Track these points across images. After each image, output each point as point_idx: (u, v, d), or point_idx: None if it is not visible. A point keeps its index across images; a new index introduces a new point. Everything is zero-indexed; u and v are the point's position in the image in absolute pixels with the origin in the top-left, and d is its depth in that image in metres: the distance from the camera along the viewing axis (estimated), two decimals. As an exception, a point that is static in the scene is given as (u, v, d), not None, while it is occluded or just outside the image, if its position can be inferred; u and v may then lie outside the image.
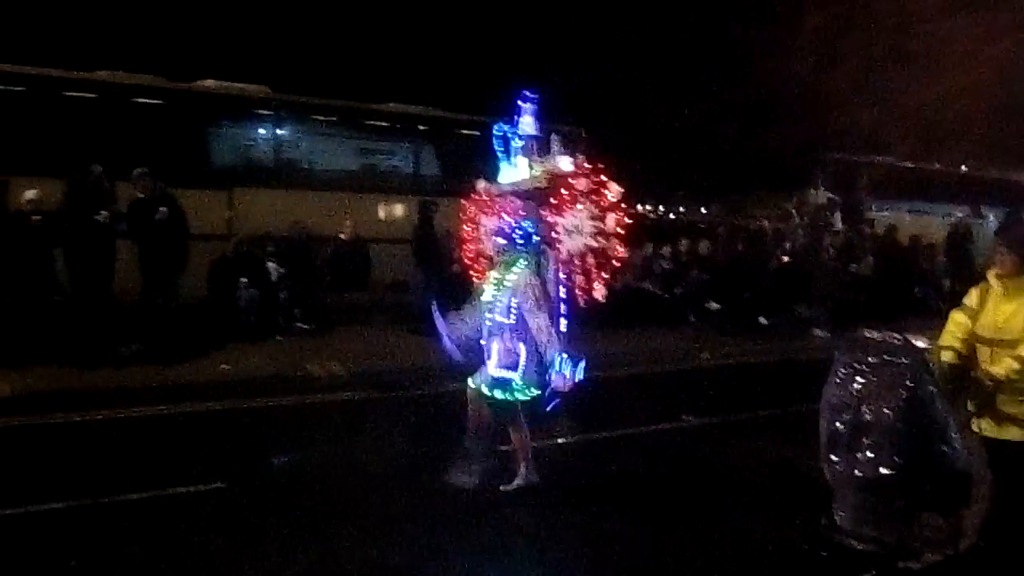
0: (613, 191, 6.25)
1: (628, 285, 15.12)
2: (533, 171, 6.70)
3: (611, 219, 6.21)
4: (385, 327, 13.07)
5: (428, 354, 11.63)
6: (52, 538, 5.73)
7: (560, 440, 8.37)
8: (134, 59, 14.26)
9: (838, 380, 5.46)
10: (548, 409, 6.43)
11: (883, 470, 5.09)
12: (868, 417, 5.19)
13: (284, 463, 7.56)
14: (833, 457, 5.36)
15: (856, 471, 5.21)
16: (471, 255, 7.40)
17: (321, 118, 14.93)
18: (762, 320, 15.01)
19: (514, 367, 6.38)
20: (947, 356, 5.48)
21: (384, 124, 15.52)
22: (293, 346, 11.72)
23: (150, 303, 10.96)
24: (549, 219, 6.38)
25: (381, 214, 14.83)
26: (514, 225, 6.57)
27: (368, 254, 13.70)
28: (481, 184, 7.31)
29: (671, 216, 25.51)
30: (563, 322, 6.39)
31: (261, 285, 12.10)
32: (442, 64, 20.56)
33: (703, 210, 24.60)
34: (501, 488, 6.67)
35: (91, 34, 16.93)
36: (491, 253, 6.81)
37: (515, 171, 6.88)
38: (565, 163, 6.50)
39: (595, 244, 6.22)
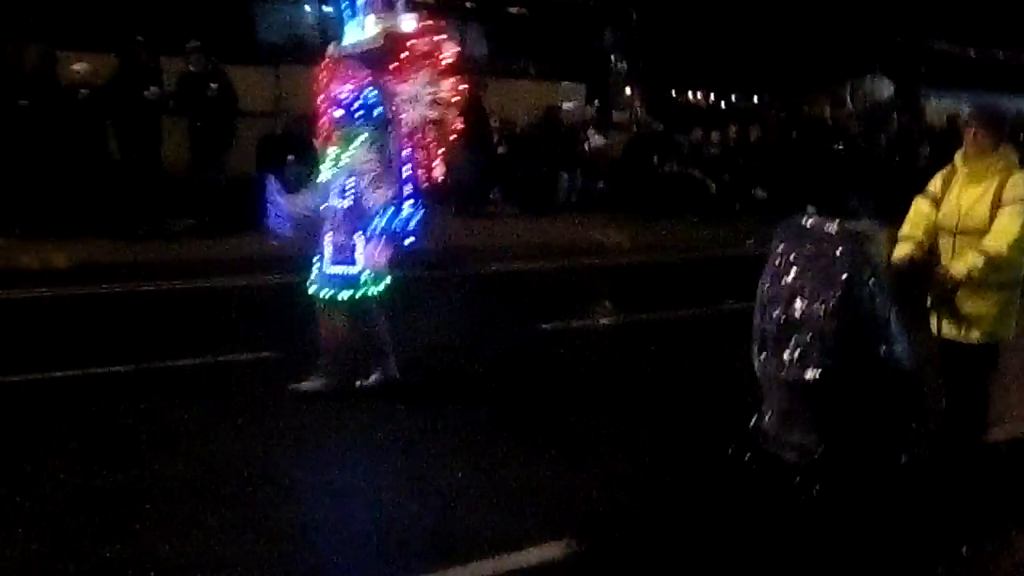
0: (449, 53, 5.73)
1: (674, 171, 15.01)
2: (375, 31, 5.95)
3: (447, 85, 5.71)
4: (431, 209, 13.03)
5: (472, 235, 11.85)
6: (103, 399, 5.92)
7: (603, 321, 8.46)
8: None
9: (771, 272, 4.94)
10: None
11: (810, 372, 4.66)
12: (798, 314, 4.73)
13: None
14: (760, 356, 4.91)
15: (782, 372, 4.79)
16: (324, 131, 6.36)
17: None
18: (809, 209, 14.83)
19: (351, 261, 5.84)
20: (904, 249, 4.86)
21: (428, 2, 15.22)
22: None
23: (199, 179, 11.12)
24: (388, 87, 5.81)
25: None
26: (352, 94, 5.83)
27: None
28: (330, 48, 6.25)
29: (722, 102, 25.03)
30: (408, 205, 5.83)
31: (307, 163, 12.13)
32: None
33: (755, 97, 24.10)
34: (357, 384, 6.11)
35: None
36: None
37: (360, 32, 6.03)
38: (408, 22, 5.89)
39: (432, 115, 5.73)
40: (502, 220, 13.30)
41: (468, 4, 15.32)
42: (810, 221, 4.99)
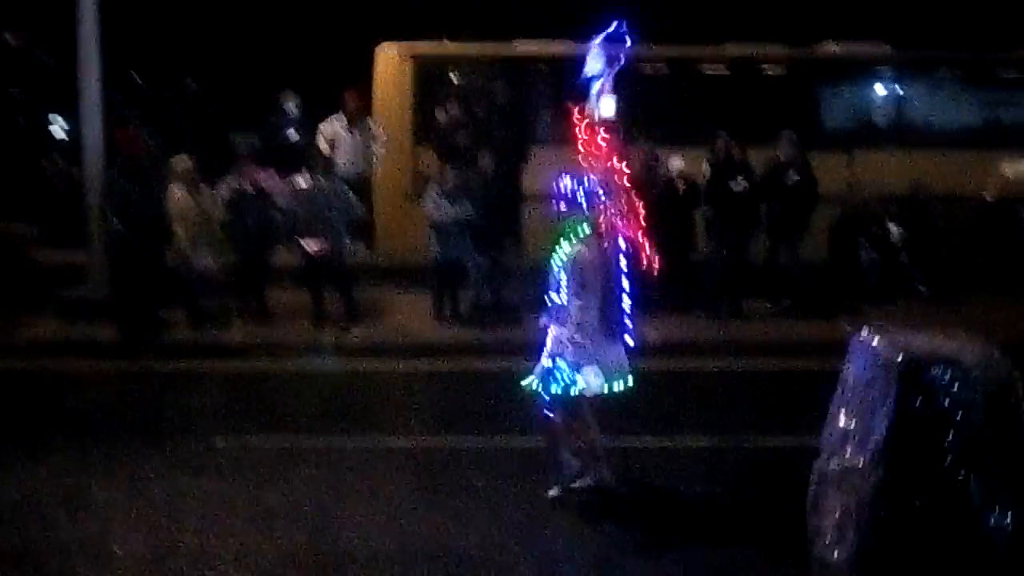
0: (602, 138, 5.57)
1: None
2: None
3: (612, 173, 5.59)
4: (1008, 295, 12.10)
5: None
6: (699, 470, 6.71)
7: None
8: (758, 29, 14.90)
9: (833, 406, 3.73)
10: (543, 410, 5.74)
11: (836, 552, 3.38)
12: (841, 466, 3.44)
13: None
14: (811, 523, 3.65)
15: (812, 548, 3.57)
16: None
17: (943, 72, 14.38)
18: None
19: (562, 355, 5.62)
20: None
21: (1015, 74, 14.40)
22: (912, 310, 11.57)
23: (775, 263, 11.69)
24: (590, 175, 5.67)
25: (1012, 172, 13.80)
26: (570, 185, 5.70)
27: (1019, 216, 12.79)
28: None
29: None
30: (625, 300, 5.65)
31: (882, 247, 12.17)
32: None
33: None
34: (571, 486, 5.94)
35: (719, 9, 17.72)
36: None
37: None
38: (606, 106, 5.69)
39: (619, 204, 5.61)
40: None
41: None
42: (875, 337, 3.59)
